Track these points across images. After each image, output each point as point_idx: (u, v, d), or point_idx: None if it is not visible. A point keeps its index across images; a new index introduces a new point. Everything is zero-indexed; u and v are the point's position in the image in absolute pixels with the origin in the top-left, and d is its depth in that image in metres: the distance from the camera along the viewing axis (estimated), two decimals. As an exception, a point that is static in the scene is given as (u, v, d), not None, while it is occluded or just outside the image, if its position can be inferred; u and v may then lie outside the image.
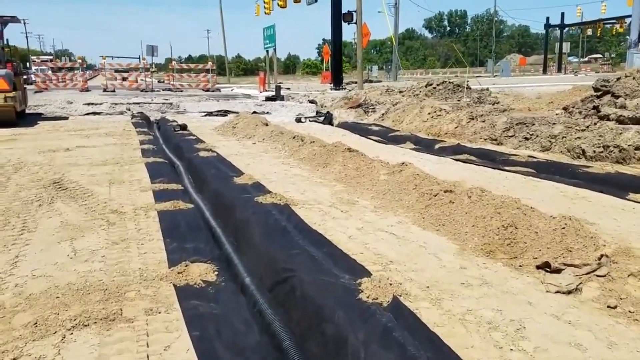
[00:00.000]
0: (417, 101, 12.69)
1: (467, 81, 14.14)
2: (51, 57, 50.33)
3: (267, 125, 10.78)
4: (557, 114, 8.64)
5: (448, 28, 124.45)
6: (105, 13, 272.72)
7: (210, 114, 15.83)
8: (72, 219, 4.38)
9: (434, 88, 14.54)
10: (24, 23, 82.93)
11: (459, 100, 12.59)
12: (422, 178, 5.21)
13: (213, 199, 5.30)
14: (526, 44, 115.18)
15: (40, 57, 45.98)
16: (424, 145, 9.16)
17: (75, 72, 26.36)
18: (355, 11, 22.71)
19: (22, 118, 13.45)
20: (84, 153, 8.08)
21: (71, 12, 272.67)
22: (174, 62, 27.37)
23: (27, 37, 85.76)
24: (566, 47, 53.59)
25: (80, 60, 27.86)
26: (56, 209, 4.68)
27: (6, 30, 13.49)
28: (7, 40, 14.03)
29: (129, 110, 16.15)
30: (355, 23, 22.45)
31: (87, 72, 35.55)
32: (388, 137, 10.28)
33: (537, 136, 8.11)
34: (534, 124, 8.36)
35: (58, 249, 3.63)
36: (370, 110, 13.98)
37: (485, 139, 9.01)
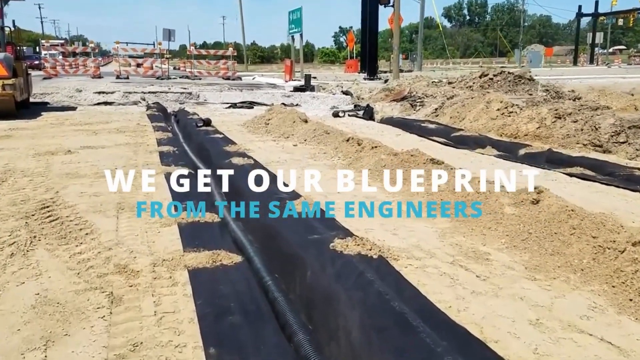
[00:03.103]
0: (478, 94, 10.87)
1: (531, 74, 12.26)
2: (62, 42, 48.76)
3: (306, 122, 9.06)
4: (683, 116, 6.83)
5: (467, 17, 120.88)
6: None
7: (234, 105, 14.15)
8: (55, 287, 2.74)
9: (491, 79, 12.68)
10: (39, 7, 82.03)
11: (530, 94, 10.73)
12: (579, 216, 3.49)
13: (264, 240, 3.63)
14: (547, 34, 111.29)
15: (50, 41, 44.29)
16: (504, 150, 7.45)
17: (87, 58, 24.80)
18: (392, -8, 20.71)
19: (25, 108, 11.95)
20: (88, 157, 6.47)
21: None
22: (192, 48, 25.66)
23: (42, 21, 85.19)
24: (599, 37, 50.81)
25: (92, 45, 26.17)
26: (35, 264, 3.04)
27: (18, 13, 12.04)
28: (14, 21, 12.53)
29: (144, 100, 14.56)
30: (392, 5, 20.45)
31: (100, 58, 34.06)
32: (452, 137, 8.51)
33: (663, 144, 6.32)
34: (655, 128, 6.56)
35: (18, 374, 1.99)
36: (418, 103, 12.19)
37: (584, 144, 7.22)
